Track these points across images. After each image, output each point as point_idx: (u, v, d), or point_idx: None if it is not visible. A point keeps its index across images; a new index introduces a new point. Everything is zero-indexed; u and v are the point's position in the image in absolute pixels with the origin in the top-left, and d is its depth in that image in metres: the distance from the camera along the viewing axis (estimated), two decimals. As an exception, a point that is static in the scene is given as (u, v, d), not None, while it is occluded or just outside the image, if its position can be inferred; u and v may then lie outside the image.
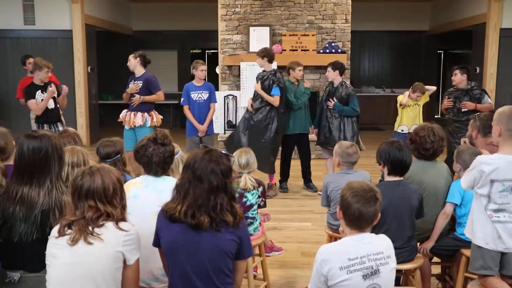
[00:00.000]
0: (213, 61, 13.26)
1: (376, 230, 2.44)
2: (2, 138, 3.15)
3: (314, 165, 6.83)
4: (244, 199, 3.43)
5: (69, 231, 2.15)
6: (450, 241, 3.36)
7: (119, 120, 6.40)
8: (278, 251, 3.98)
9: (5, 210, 2.40)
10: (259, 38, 8.72)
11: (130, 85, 6.27)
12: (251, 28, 8.77)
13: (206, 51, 14.08)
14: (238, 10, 8.87)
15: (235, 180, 3.36)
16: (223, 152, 2.31)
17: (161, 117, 6.48)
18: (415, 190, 3.11)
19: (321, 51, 8.72)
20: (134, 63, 6.24)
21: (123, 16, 12.74)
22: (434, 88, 6.57)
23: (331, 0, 8.83)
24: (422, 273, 3.22)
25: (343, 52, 8.65)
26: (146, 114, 6.24)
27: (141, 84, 6.21)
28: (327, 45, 8.73)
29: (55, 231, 2.19)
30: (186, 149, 6.31)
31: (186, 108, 6.36)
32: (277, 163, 6.51)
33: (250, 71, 8.32)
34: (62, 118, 6.40)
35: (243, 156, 3.53)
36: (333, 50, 8.64)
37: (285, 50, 8.67)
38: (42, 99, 5.93)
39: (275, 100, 6.11)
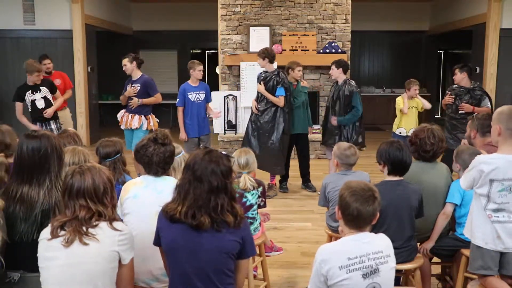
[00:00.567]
0: (213, 61, 13.27)
1: (375, 230, 2.44)
2: (7, 135, 3.24)
3: (313, 165, 6.83)
4: (244, 199, 3.43)
5: (62, 232, 2.14)
6: (450, 241, 3.36)
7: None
8: (278, 251, 3.98)
9: (5, 210, 2.40)
10: (259, 38, 8.72)
11: (127, 88, 6.26)
12: (251, 28, 8.77)
13: (206, 51, 14.09)
14: (238, 10, 8.87)
15: (235, 180, 3.36)
16: (223, 152, 2.32)
17: (157, 120, 6.48)
18: (415, 190, 3.11)
19: (321, 51, 8.72)
20: (131, 67, 6.25)
21: (123, 16, 12.74)
22: (429, 106, 6.58)
23: (331, 0, 8.84)
24: (422, 273, 3.22)
25: (343, 52, 8.65)
26: (143, 117, 6.25)
27: (139, 87, 6.22)
28: (327, 45, 8.73)
29: (46, 233, 2.17)
30: (185, 150, 6.32)
31: (180, 110, 6.35)
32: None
33: (250, 71, 8.32)
34: (60, 117, 6.62)
35: (243, 156, 3.52)
36: (333, 50, 8.64)
37: (285, 50, 8.67)
38: (32, 100, 6.22)
39: (280, 100, 6.10)
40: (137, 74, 6.30)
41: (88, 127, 10.10)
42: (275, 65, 6.34)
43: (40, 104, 6.24)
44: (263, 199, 3.54)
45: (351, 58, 9.09)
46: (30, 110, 6.29)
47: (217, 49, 9.28)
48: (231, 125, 8.61)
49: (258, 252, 3.60)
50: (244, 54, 8.70)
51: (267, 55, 6.17)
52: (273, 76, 6.16)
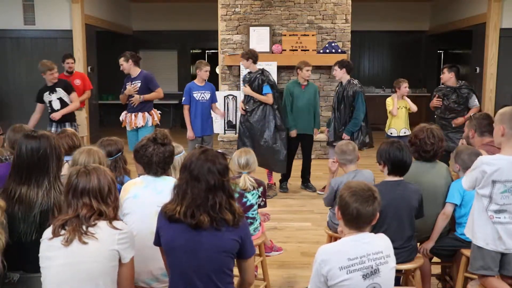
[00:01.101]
0: (213, 61, 13.23)
1: (375, 230, 2.44)
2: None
3: (313, 165, 6.83)
4: (244, 199, 3.43)
5: (63, 231, 2.15)
6: (450, 241, 3.36)
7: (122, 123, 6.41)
8: (278, 251, 3.97)
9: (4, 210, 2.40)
10: (259, 38, 8.72)
11: (127, 86, 6.24)
12: (251, 28, 8.76)
13: (206, 51, 14.08)
14: (238, 10, 8.87)
15: (234, 180, 3.35)
16: (219, 151, 2.32)
17: (160, 112, 6.46)
18: (415, 190, 3.11)
19: (321, 51, 8.72)
20: (128, 66, 6.22)
21: (123, 16, 12.74)
22: (415, 109, 6.59)
23: (331, 0, 8.84)
24: (422, 273, 3.22)
25: (343, 52, 8.65)
26: (146, 113, 6.22)
27: (139, 84, 6.19)
28: (327, 45, 8.72)
29: (48, 232, 2.18)
30: (189, 150, 6.32)
31: (186, 108, 6.35)
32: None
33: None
34: (77, 119, 6.75)
35: (243, 156, 3.51)
36: (333, 50, 8.64)
37: (285, 50, 8.67)
38: (49, 101, 6.28)
39: (268, 98, 6.12)
40: (135, 71, 6.28)
41: (88, 127, 10.08)
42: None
43: (56, 105, 6.29)
44: (264, 199, 3.54)
45: (351, 58, 9.07)
46: (49, 110, 6.38)
47: (217, 49, 9.29)
48: (231, 125, 8.61)
49: (258, 252, 3.60)
50: (244, 54, 8.68)
51: (250, 55, 6.20)
52: (258, 75, 6.19)
